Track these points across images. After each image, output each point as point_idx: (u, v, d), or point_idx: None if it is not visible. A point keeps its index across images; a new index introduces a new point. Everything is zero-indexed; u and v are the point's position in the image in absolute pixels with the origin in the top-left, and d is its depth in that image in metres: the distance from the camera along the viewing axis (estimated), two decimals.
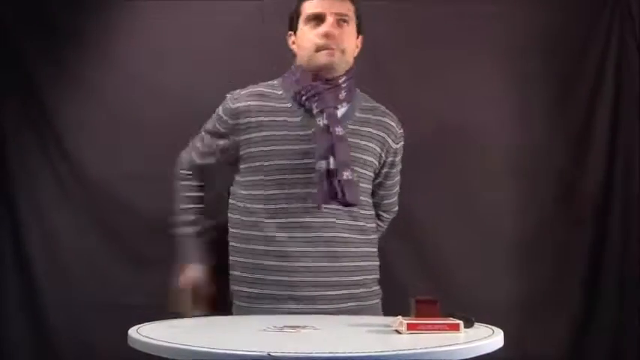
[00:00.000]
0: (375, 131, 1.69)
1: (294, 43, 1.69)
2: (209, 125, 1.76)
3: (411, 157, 1.89)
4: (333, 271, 1.60)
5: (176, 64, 2.23)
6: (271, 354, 0.96)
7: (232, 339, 1.21)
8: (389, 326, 1.29)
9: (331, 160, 1.55)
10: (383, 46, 2.24)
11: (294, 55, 1.69)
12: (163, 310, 1.62)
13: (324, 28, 1.60)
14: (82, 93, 2.23)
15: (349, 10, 1.65)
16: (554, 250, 2.25)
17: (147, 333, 1.18)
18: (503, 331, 1.22)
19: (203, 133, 1.78)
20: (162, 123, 2.19)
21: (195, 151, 1.80)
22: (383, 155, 1.72)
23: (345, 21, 1.63)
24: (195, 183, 1.80)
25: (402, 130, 1.77)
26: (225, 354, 0.99)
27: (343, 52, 1.63)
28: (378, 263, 1.74)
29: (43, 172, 2.22)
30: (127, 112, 2.22)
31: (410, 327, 1.22)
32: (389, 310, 1.69)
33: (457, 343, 1.08)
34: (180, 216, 1.78)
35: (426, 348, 1.03)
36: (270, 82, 1.71)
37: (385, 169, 1.76)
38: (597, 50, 2.28)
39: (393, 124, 1.74)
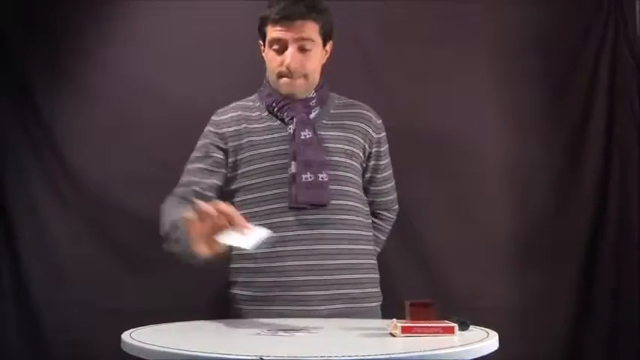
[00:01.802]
0: (354, 123, 1.73)
1: (264, 52, 1.72)
2: (199, 149, 1.72)
3: (407, 160, 1.90)
4: (323, 269, 1.59)
5: (174, 66, 2.23)
6: (264, 358, 0.95)
7: (225, 343, 1.20)
8: (384, 329, 1.29)
9: (292, 164, 1.61)
10: (375, 47, 2.26)
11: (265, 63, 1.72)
12: (159, 313, 1.58)
13: (285, 58, 1.63)
14: (78, 95, 2.24)
15: (312, 30, 1.64)
16: (550, 252, 2.24)
17: (140, 337, 1.18)
18: (499, 334, 1.21)
19: (196, 156, 1.71)
20: (159, 125, 2.20)
21: (192, 177, 1.68)
22: (366, 146, 1.74)
23: (306, 47, 1.64)
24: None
25: (380, 121, 1.79)
26: (218, 358, 0.98)
27: (306, 77, 1.66)
28: (374, 262, 1.73)
29: (38, 175, 2.22)
30: (123, 115, 2.22)
31: (404, 330, 1.21)
32: (384, 313, 1.69)
33: (452, 347, 1.08)
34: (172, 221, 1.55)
35: (420, 351, 1.03)
36: (247, 99, 1.77)
37: (372, 162, 1.77)
38: (591, 52, 2.28)
39: (370, 114, 1.77)
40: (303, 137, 1.62)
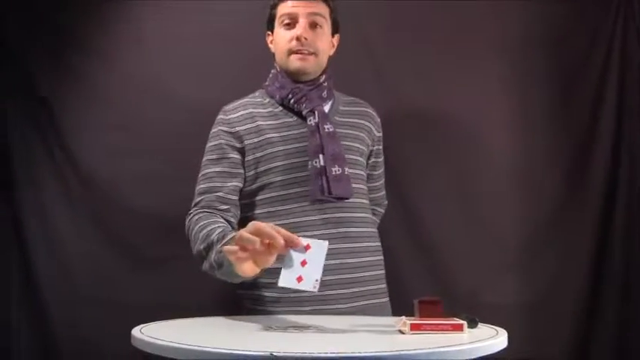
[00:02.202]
0: (361, 121, 1.75)
1: (271, 42, 1.72)
2: (213, 151, 1.67)
3: (414, 157, 1.90)
4: (349, 268, 1.60)
5: (182, 65, 2.24)
6: (274, 354, 0.95)
7: (235, 339, 1.21)
8: (392, 327, 1.29)
9: (320, 157, 1.58)
10: (380, 45, 2.26)
11: (273, 55, 1.72)
12: (166, 309, 1.59)
13: (296, 31, 1.63)
14: (86, 94, 2.24)
15: (323, 10, 1.67)
16: (558, 249, 2.23)
17: (150, 333, 1.18)
18: (507, 332, 1.22)
19: (212, 159, 1.66)
20: (167, 124, 2.20)
21: (212, 182, 1.64)
22: (370, 144, 1.77)
23: (318, 23, 1.65)
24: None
25: (379, 120, 1.82)
26: (228, 353, 0.99)
27: (316, 54, 1.66)
28: (383, 258, 1.74)
29: (46, 174, 2.23)
30: (132, 114, 2.23)
31: (413, 327, 1.22)
32: (392, 312, 1.70)
33: (461, 344, 1.08)
34: (207, 239, 1.50)
35: (429, 348, 1.03)
36: (251, 95, 1.74)
37: (372, 159, 1.80)
38: (601, 50, 2.26)
39: (373, 113, 1.81)
40: (327, 130, 1.61)
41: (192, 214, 1.61)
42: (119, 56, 2.26)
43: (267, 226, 1.24)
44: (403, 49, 2.26)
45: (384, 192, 1.89)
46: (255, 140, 1.64)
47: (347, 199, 1.61)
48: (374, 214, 1.84)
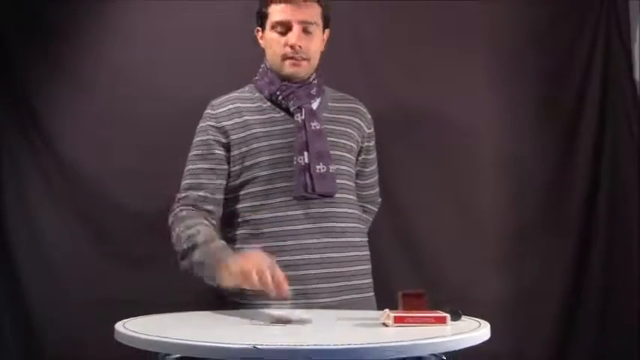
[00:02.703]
0: (349, 117, 1.74)
1: (261, 38, 1.71)
2: (199, 146, 1.67)
3: (402, 154, 1.90)
4: (332, 262, 1.60)
5: (168, 60, 2.23)
6: (257, 347, 0.96)
7: (219, 332, 1.21)
8: (376, 319, 1.30)
9: (305, 154, 1.59)
10: (370, 42, 2.26)
11: (263, 51, 1.71)
12: (153, 307, 1.55)
13: (290, 39, 1.63)
14: (71, 88, 2.23)
15: (316, 14, 1.66)
16: (543, 246, 2.25)
17: (133, 327, 1.18)
18: (491, 326, 1.22)
19: (198, 154, 1.66)
20: (154, 120, 2.19)
21: (198, 179, 1.64)
22: (359, 140, 1.76)
23: (310, 29, 1.65)
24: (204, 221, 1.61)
25: (370, 116, 1.81)
26: (211, 347, 0.99)
27: (309, 60, 1.66)
28: (366, 254, 1.74)
29: (31, 170, 2.22)
30: (118, 109, 2.22)
31: (397, 320, 1.22)
32: (377, 306, 1.70)
33: (444, 336, 1.09)
34: (192, 240, 1.54)
35: (412, 340, 1.03)
36: (240, 90, 1.74)
37: (362, 156, 1.79)
38: (584, 49, 2.29)
39: (363, 109, 1.80)
40: (313, 128, 1.62)
41: (176, 210, 1.61)
42: (106, 50, 2.25)
43: (266, 276, 1.32)
44: (393, 46, 2.27)
45: (376, 190, 1.88)
46: (241, 135, 1.64)
47: (331, 196, 1.62)
48: (365, 211, 1.84)
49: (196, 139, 1.68)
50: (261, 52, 1.76)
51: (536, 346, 2.23)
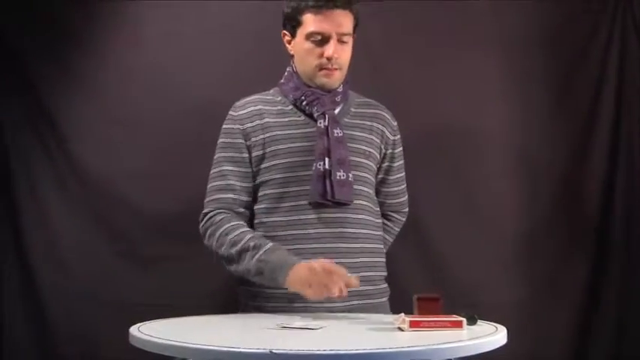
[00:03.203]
0: (372, 123, 1.72)
1: (289, 43, 1.69)
2: (226, 148, 1.66)
3: (413, 156, 1.89)
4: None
5: (179, 62, 2.23)
6: (273, 351, 0.95)
7: (234, 337, 1.21)
8: (392, 324, 1.29)
9: (326, 160, 1.59)
10: (380, 45, 2.25)
11: (291, 55, 1.69)
12: (163, 308, 1.60)
13: (327, 50, 1.61)
14: (83, 90, 2.24)
15: (350, 23, 1.64)
16: (557, 246, 2.23)
17: (148, 331, 1.18)
18: (506, 329, 1.21)
19: (226, 156, 1.66)
20: (165, 121, 2.20)
21: (228, 181, 1.64)
22: (382, 147, 1.74)
23: (345, 40, 1.63)
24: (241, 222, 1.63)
25: (396, 123, 1.79)
26: (227, 351, 0.98)
27: (341, 69, 1.65)
28: (384, 260, 1.73)
29: (44, 170, 2.23)
30: (128, 110, 2.22)
31: (413, 324, 1.21)
32: (390, 308, 1.69)
33: (460, 341, 1.08)
34: (246, 242, 1.55)
35: (428, 345, 1.02)
36: (264, 93, 1.73)
37: (386, 163, 1.77)
38: (600, 47, 2.27)
39: (387, 116, 1.78)
40: (336, 135, 1.61)
41: (211, 214, 1.62)
42: (117, 51, 2.25)
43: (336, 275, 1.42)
44: (401, 47, 2.25)
45: (403, 198, 1.83)
46: (261, 137, 1.63)
47: (347, 204, 1.61)
48: (390, 220, 1.81)
49: (221, 140, 1.68)
50: (269, 52, 1.74)
51: (553, 349, 2.20)
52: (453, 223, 2.23)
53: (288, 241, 1.58)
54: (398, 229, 1.88)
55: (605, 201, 2.25)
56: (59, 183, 2.22)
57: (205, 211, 1.63)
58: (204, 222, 1.62)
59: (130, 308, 2.03)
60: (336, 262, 1.53)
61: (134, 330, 1.20)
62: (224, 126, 1.68)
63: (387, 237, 1.82)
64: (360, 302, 1.60)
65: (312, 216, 1.59)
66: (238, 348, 0.98)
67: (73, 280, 2.18)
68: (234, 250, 1.54)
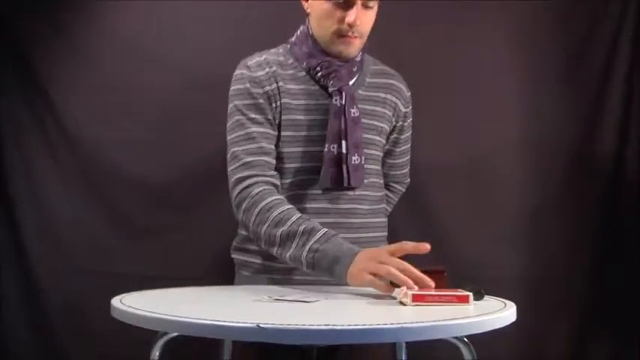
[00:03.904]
0: (386, 95, 1.60)
1: (308, 2, 1.54)
2: (251, 108, 1.49)
3: (416, 127, 1.79)
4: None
5: (172, 29, 2.16)
6: (260, 325, 0.87)
7: (222, 309, 1.12)
8: (393, 298, 1.20)
9: (343, 144, 1.48)
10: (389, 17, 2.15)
11: (306, 15, 1.55)
12: (157, 279, 1.58)
13: (350, 16, 1.46)
14: (77, 59, 2.17)
15: None
16: (563, 224, 2.18)
17: (131, 302, 1.10)
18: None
19: (249, 118, 1.48)
20: (159, 89, 2.13)
21: (254, 144, 1.47)
22: (393, 120, 1.63)
23: (370, 5, 1.49)
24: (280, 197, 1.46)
25: (409, 93, 1.68)
26: (212, 325, 0.90)
27: (362, 37, 1.52)
28: (386, 234, 1.66)
29: (36, 139, 2.17)
30: (121, 78, 2.16)
31: (415, 298, 1.13)
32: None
33: (467, 317, 0.99)
34: (298, 225, 1.37)
35: (432, 321, 0.94)
36: (273, 51, 1.57)
37: (394, 135, 1.67)
38: (613, 18, 2.18)
39: (402, 87, 1.66)
40: (353, 115, 1.49)
41: (247, 184, 1.44)
42: (109, 18, 2.18)
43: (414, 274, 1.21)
44: (410, 21, 2.16)
45: (406, 170, 1.76)
46: (278, 103, 1.49)
47: (357, 186, 1.52)
48: (391, 191, 1.74)
49: (239, 102, 1.49)
50: (270, 21, 1.63)
51: (557, 327, 2.15)
52: (456, 196, 2.16)
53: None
54: (397, 199, 1.80)
55: (615, 178, 2.18)
56: (50, 151, 2.16)
57: (238, 176, 1.44)
58: (238, 192, 1.44)
59: (123, 280, 1.87)
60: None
61: (116, 301, 1.12)
62: (238, 86, 1.50)
63: (386, 207, 1.74)
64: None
65: (317, 190, 1.50)
66: (224, 321, 0.90)
67: (65, 251, 2.13)
68: (278, 232, 1.37)
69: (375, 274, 1.23)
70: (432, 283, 1.18)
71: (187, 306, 1.15)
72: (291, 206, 1.41)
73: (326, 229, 1.35)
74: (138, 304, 1.07)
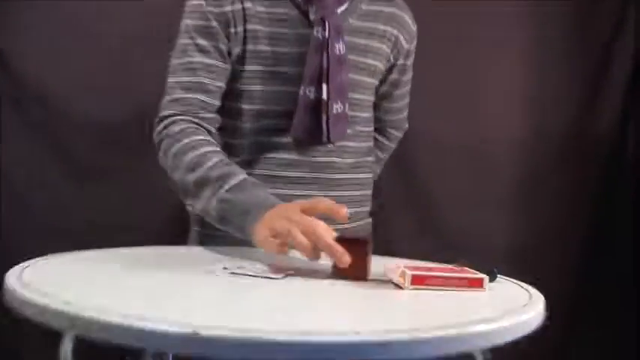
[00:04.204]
0: (385, 27, 1.29)
1: None
2: (199, 32, 1.20)
3: (415, 94, 1.58)
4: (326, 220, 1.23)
5: None
6: (199, 332, 0.58)
7: (151, 295, 0.79)
8: (384, 275, 0.93)
9: (323, 87, 1.20)
10: None
11: None
12: (110, 227, 1.46)
13: None
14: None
15: None
16: (559, 191, 2.06)
17: (31, 278, 0.79)
18: (510, 275, 0.97)
19: (198, 44, 1.20)
20: (112, 21, 1.90)
21: (192, 77, 1.20)
22: (392, 58, 1.33)
23: None
24: (207, 138, 1.18)
25: (415, 27, 1.37)
26: (124, 328, 0.60)
27: None
28: (370, 192, 1.39)
29: None
30: (71, 9, 1.91)
31: (415, 280, 0.86)
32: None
33: (493, 320, 0.70)
34: (212, 171, 1.11)
35: (442, 329, 0.64)
36: None
37: (393, 75, 1.37)
38: None
39: (407, 18, 1.34)
40: (338, 53, 1.20)
41: (170, 121, 1.17)
42: None
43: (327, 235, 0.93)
44: None
45: (405, 114, 1.50)
46: (239, 29, 1.20)
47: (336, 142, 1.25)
48: (388, 137, 1.48)
49: (188, 22, 1.21)
50: None
51: (560, 290, 1.96)
52: (446, 159, 2.03)
53: (255, 165, 1.22)
54: (394, 147, 1.53)
55: (613, 147, 2.07)
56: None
57: (163, 114, 1.19)
58: (158, 132, 1.18)
59: (73, 229, 1.81)
60: (319, 195, 1.20)
61: (10, 277, 0.81)
62: (192, 2, 1.22)
63: (382, 155, 1.48)
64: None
65: (288, 139, 1.22)
66: (147, 323, 0.61)
67: (23, 199, 1.92)
68: (191, 178, 1.10)
69: (275, 236, 0.97)
70: (346, 258, 0.90)
71: (105, 286, 0.82)
72: (213, 148, 1.13)
73: (245, 177, 1.08)
74: (38, 282, 0.77)
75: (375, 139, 1.42)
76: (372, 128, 1.36)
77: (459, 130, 2.02)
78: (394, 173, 1.86)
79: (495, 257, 1.77)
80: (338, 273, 0.92)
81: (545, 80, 2.07)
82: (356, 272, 0.91)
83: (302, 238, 0.92)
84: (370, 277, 0.92)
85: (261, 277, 0.90)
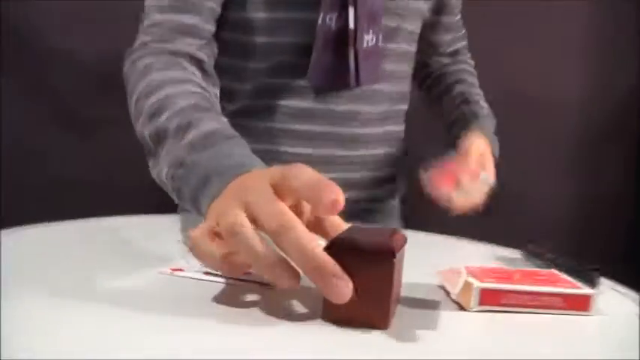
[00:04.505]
0: None
1: None
2: None
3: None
4: (349, 185, 0.98)
5: None
6: None
7: (128, 324, 0.47)
8: (426, 287, 0.62)
9: (350, 13, 0.89)
10: None
11: None
12: (99, 187, 1.36)
13: None
14: None
15: None
16: (610, 154, 2.01)
17: None
18: (559, 247, 0.75)
19: None
20: None
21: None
22: None
23: None
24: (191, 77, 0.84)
25: None
26: None
27: None
28: (400, 155, 1.10)
29: None
30: None
31: (485, 298, 0.56)
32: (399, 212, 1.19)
33: None
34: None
35: None
36: None
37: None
38: None
39: None
40: None
41: (139, 54, 0.84)
42: None
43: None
44: None
45: (465, 42, 1.21)
46: None
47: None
48: (465, 71, 1.18)
49: None
50: None
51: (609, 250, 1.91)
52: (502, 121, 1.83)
53: (256, 115, 0.96)
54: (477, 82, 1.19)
55: None
56: None
57: (135, 45, 0.87)
58: (126, 68, 0.85)
59: (59, 182, 1.69)
60: (334, 156, 0.97)
61: None
62: None
63: (475, 81, 1.17)
64: (365, 206, 1.04)
65: (304, 83, 0.94)
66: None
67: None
68: (146, 132, 0.73)
69: (218, 233, 0.52)
70: (346, 290, 0.46)
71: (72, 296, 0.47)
72: (184, 88, 0.75)
73: (216, 126, 0.67)
74: None
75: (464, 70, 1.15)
76: (411, 65, 1.07)
77: (511, 87, 1.86)
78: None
79: (550, 220, 1.72)
80: (332, 313, 0.48)
81: (609, 39, 1.98)
82: (367, 314, 0.47)
83: (257, 250, 0.47)
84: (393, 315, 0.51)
85: (251, 281, 0.60)
